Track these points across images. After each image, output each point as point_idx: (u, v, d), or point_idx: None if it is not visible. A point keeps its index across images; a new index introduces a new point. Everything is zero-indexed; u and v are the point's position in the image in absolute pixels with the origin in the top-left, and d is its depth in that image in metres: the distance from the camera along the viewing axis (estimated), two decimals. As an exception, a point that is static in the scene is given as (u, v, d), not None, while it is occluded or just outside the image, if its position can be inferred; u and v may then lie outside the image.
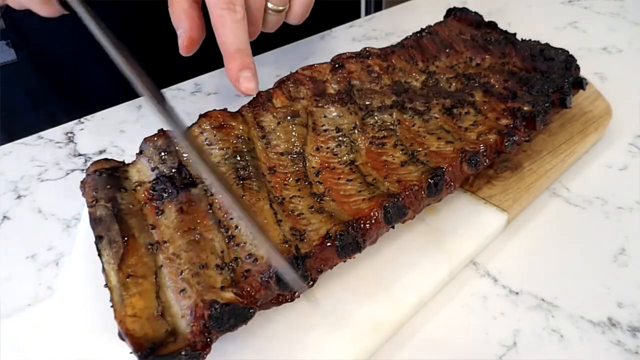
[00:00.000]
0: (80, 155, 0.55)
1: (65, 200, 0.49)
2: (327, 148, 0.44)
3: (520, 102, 0.48)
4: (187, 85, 0.64)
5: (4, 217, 0.48)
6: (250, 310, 0.34)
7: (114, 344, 0.33)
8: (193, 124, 0.43)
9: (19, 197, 0.50)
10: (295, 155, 0.43)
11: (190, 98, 0.62)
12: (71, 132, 0.57)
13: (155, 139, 0.42)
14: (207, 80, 0.64)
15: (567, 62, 0.52)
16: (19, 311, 0.40)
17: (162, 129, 0.43)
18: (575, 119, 0.54)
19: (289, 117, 0.45)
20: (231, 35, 0.43)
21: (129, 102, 0.61)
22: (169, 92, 0.62)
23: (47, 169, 0.53)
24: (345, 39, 0.72)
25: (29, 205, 0.49)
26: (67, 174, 0.53)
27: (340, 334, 0.37)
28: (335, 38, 0.72)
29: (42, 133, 0.57)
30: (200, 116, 0.43)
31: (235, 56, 0.44)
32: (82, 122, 0.59)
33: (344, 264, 0.41)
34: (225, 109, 0.44)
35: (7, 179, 0.52)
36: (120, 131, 0.57)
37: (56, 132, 0.57)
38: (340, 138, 0.44)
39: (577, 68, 0.52)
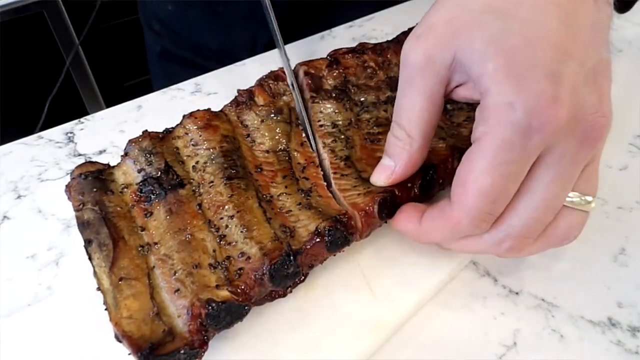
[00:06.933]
0: (80, 155, 0.55)
1: (65, 200, 0.49)
2: (324, 143, 0.44)
3: None
4: (187, 85, 0.64)
5: (4, 217, 0.48)
6: (246, 307, 0.35)
7: (114, 345, 0.33)
8: (177, 125, 0.43)
9: (19, 197, 0.50)
10: (280, 152, 0.43)
11: (190, 98, 0.62)
12: (71, 132, 0.57)
13: (140, 140, 0.42)
14: (207, 80, 0.64)
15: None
16: (19, 311, 0.40)
17: (146, 130, 0.42)
18: (575, 119, 0.54)
19: (272, 114, 0.45)
20: (439, 236, 0.37)
21: (129, 102, 0.61)
22: (169, 92, 0.62)
23: (47, 169, 0.53)
24: (345, 39, 0.71)
25: (29, 205, 0.49)
26: (67, 174, 0.53)
27: (340, 334, 0.37)
28: (335, 38, 0.72)
29: (42, 133, 0.57)
30: (184, 117, 0.43)
31: (420, 240, 0.38)
32: (82, 122, 0.59)
33: (344, 263, 0.41)
34: (208, 109, 0.44)
35: (7, 179, 0.52)
36: (120, 131, 0.57)
37: (56, 132, 0.57)
38: (336, 134, 0.45)
39: None
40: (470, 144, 0.43)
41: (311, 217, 0.38)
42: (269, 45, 0.74)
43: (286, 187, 0.41)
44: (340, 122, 0.45)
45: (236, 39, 0.78)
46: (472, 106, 0.47)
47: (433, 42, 0.34)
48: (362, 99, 0.48)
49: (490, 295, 0.41)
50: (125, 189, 0.40)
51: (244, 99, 0.46)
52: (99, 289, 0.35)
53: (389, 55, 0.53)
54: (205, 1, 0.76)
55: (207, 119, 0.43)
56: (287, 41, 0.70)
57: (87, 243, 0.37)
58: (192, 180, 0.40)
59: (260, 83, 0.47)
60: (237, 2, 0.75)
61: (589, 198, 0.35)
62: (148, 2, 0.82)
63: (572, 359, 0.37)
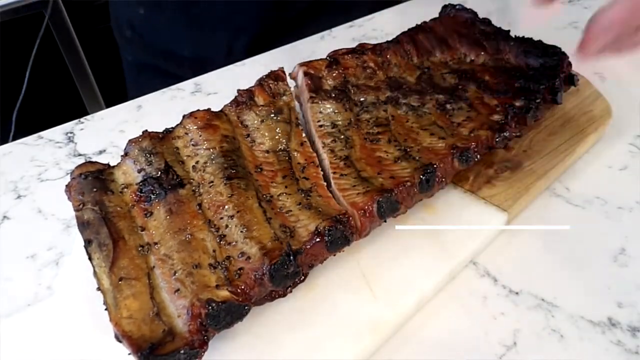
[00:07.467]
0: (80, 155, 0.55)
1: (65, 200, 0.49)
2: (323, 143, 0.44)
3: (512, 97, 0.48)
4: (187, 85, 0.64)
5: (4, 217, 0.48)
6: (246, 307, 0.35)
7: (114, 345, 0.33)
8: (177, 125, 0.43)
9: (19, 197, 0.50)
10: (280, 152, 0.43)
11: (190, 98, 0.62)
12: (71, 132, 0.57)
13: (140, 140, 0.42)
14: (207, 80, 0.64)
15: (559, 58, 0.52)
16: (19, 311, 0.40)
17: (146, 130, 0.43)
18: (575, 119, 0.54)
19: (272, 114, 0.45)
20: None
21: (129, 102, 0.61)
22: (169, 92, 0.62)
23: (47, 169, 0.53)
24: (345, 39, 0.72)
25: (29, 205, 0.49)
26: (67, 174, 0.53)
27: (340, 334, 0.37)
28: (335, 38, 0.72)
29: (42, 133, 0.57)
30: (184, 117, 0.43)
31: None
32: (82, 122, 0.59)
33: (344, 263, 0.41)
34: (208, 109, 0.44)
35: (7, 179, 0.52)
36: (120, 131, 0.57)
37: (56, 132, 0.57)
38: (336, 134, 0.45)
39: (569, 65, 0.53)
40: (470, 143, 0.44)
41: (311, 217, 0.38)
42: (247, 51, 0.72)
43: (286, 187, 0.41)
44: (340, 122, 0.45)
45: (211, 43, 0.75)
46: (471, 106, 0.48)
47: None
48: (362, 99, 0.48)
49: (490, 295, 0.41)
50: (125, 189, 0.40)
51: (244, 99, 0.46)
52: (99, 289, 0.35)
53: (388, 56, 0.53)
54: (179, 2, 0.73)
55: (207, 119, 0.43)
56: (287, 41, 0.70)
57: (87, 243, 0.37)
58: (192, 180, 0.40)
59: (260, 83, 0.47)
60: (212, 3, 0.72)
61: None
62: (120, 8, 0.81)
63: (572, 359, 0.37)
